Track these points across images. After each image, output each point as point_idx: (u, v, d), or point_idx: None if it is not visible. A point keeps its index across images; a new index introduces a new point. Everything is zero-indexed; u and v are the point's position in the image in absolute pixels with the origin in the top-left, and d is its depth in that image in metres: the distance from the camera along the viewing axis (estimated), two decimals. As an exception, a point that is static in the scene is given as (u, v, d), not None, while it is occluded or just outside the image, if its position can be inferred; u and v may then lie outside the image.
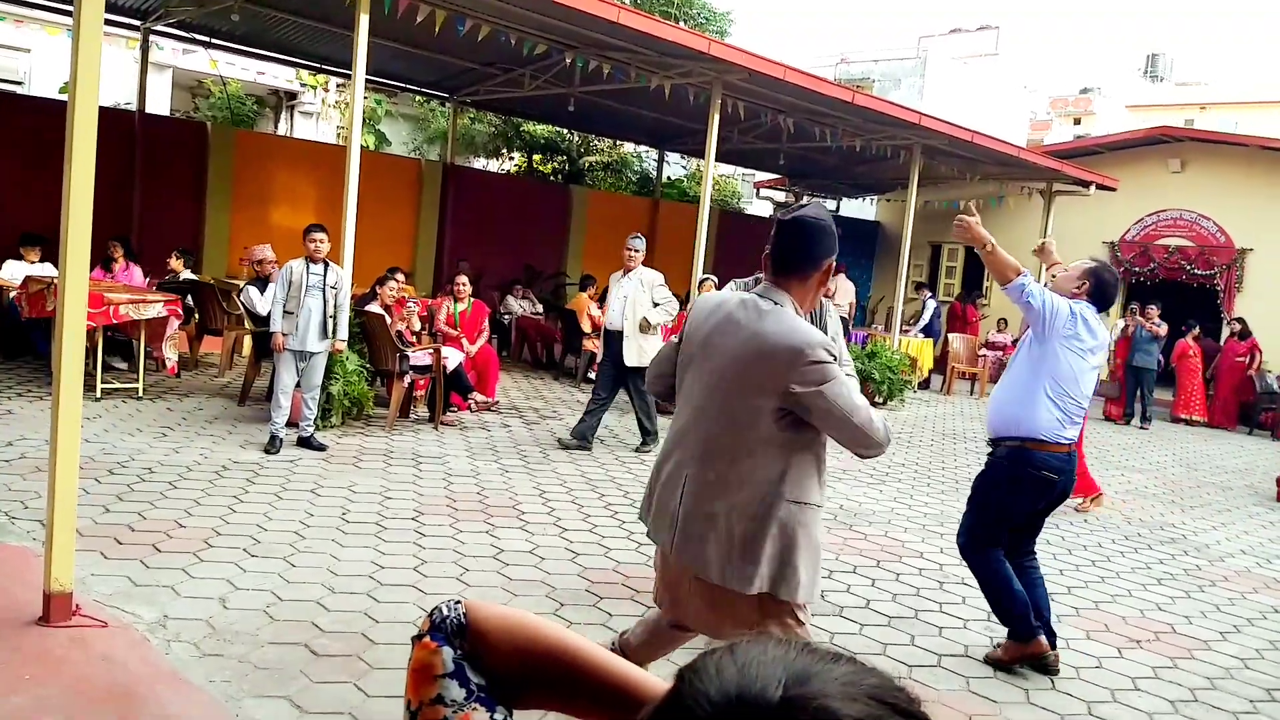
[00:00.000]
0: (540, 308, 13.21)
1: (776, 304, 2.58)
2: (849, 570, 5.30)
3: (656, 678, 0.76)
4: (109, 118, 11.98)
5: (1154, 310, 13.07)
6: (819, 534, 2.66)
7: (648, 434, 8.05)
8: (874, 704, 0.61)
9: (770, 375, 2.50)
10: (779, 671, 0.62)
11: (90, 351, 7.72)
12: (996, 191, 16.71)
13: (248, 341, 9.12)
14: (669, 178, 21.09)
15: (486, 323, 9.34)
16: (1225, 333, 14.98)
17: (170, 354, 8.21)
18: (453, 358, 8.25)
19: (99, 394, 7.56)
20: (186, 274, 9.92)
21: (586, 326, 11.22)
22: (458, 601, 0.88)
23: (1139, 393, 13.20)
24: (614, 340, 7.92)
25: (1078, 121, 41.30)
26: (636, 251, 8.17)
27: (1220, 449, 12.08)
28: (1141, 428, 13.06)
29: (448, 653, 0.84)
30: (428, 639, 0.85)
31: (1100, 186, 15.27)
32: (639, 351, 7.70)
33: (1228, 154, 16.33)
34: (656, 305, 7.91)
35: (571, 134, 19.56)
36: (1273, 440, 13.38)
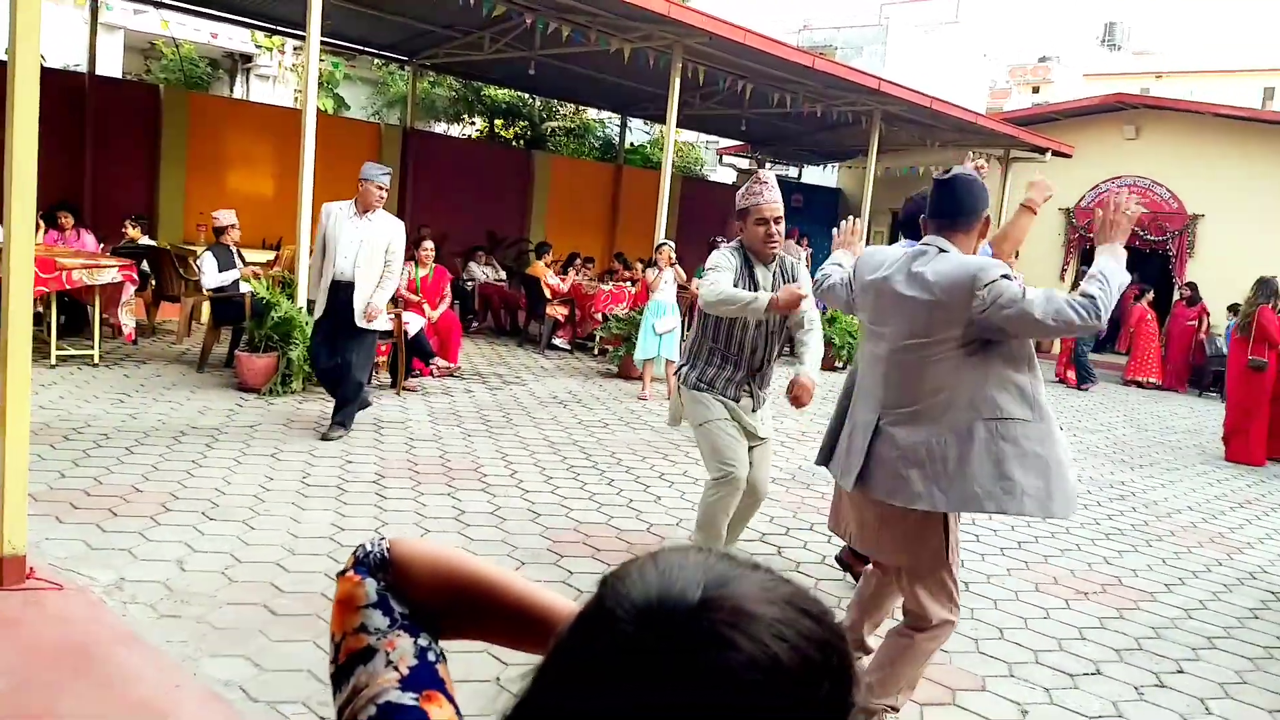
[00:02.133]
0: (503, 274, 13.15)
1: (943, 250, 2.84)
2: (806, 528, 5.39)
3: (574, 604, 0.79)
4: (58, 80, 11.78)
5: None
6: (1040, 446, 2.79)
7: (346, 422, 6.35)
8: (788, 608, 0.63)
9: (956, 307, 2.72)
10: (699, 575, 0.64)
11: (43, 318, 7.61)
12: (956, 158, 16.83)
13: (205, 308, 9.01)
14: (632, 144, 21.01)
15: (448, 288, 9.29)
16: (1175, 297, 15.28)
17: (127, 320, 8.08)
18: (414, 323, 8.21)
19: (54, 361, 7.44)
20: (144, 240, 9.76)
21: (549, 294, 11.22)
22: (382, 538, 0.90)
23: (1075, 353, 13.43)
24: (341, 292, 6.13)
25: (1036, 90, 41.60)
26: (368, 183, 6.25)
27: (1170, 410, 12.37)
28: (1081, 388, 13.28)
29: (371, 584, 0.86)
30: (351, 573, 0.87)
31: (1056, 153, 15.47)
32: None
33: (1182, 121, 16.57)
34: (389, 264, 6.26)
35: (533, 99, 19.40)
36: (1221, 402, 13.69)
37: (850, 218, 3.94)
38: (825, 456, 3.35)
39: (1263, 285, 8.97)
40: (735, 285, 3.89)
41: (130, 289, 8.02)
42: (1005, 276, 2.68)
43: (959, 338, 2.74)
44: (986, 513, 2.83)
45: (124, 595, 3.60)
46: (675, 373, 4.31)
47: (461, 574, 0.88)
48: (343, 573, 0.88)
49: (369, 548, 0.89)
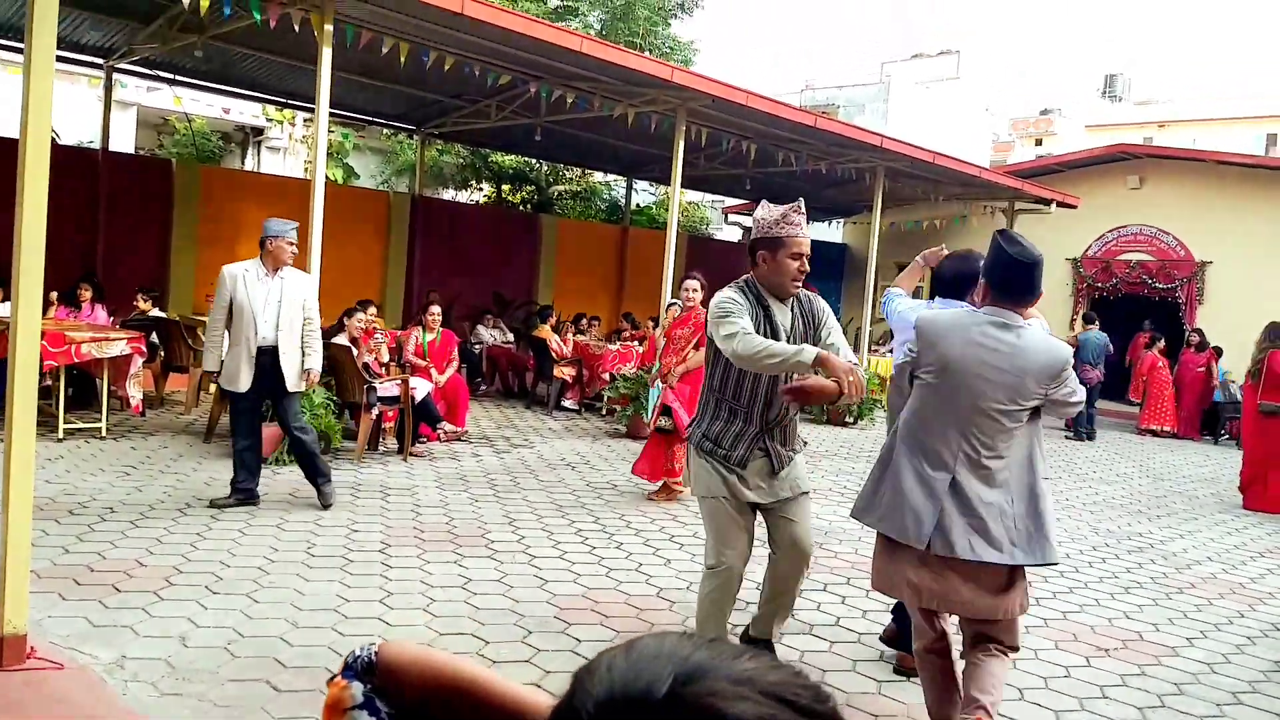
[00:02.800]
0: (511, 336, 13.20)
1: (1021, 326, 3.15)
2: (819, 588, 5.30)
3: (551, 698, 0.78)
4: (72, 156, 12.01)
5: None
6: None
7: (325, 473, 6.19)
8: (769, 701, 0.59)
9: (1036, 384, 3.11)
10: (670, 667, 0.61)
11: (51, 391, 7.65)
12: (960, 211, 16.94)
13: (214, 378, 9.06)
14: (638, 205, 21.22)
15: (456, 352, 9.33)
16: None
17: (134, 392, 8.12)
18: (421, 388, 8.22)
19: (61, 434, 7.47)
20: (155, 312, 9.86)
21: (556, 355, 11.25)
22: (372, 644, 0.96)
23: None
24: (265, 357, 5.92)
25: (1039, 142, 41.96)
26: (279, 239, 6.05)
27: (1186, 459, 12.22)
28: (1079, 438, 13.11)
29: (357, 687, 0.93)
30: (339, 678, 0.94)
31: (1061, 204, 15.54)
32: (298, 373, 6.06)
33: (1186, 169, 16.65)
34: (308, 321, 6.10)
35: (540, 164, 19.67)
36: (1238, 449, 13.53)
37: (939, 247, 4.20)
38: (896, 524, 3.19)
39: (1271, 330, 8.93)
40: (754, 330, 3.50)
41: (139, 361, 8.07)
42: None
43: (1034, 407, 3.15)
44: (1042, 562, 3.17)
45: (125, 674, 3.55)
46: (687, 435, 3.94)
47: (445, 674, 0.93)
48: (332, 678, 0.94)
49: (358, 653, 0.95)
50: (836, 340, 3.64)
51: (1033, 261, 3.13)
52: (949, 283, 3.99)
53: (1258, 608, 5.67)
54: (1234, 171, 16.09)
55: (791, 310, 3.66)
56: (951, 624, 3.45)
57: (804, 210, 3.61)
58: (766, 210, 3.61)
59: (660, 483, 7.28)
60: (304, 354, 6.07)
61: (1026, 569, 3.17)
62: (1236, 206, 15.81)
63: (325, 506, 6.09)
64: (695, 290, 7.40)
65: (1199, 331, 14.60)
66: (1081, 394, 3.22)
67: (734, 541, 3.64)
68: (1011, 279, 3.14)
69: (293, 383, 6.02)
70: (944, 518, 3.05)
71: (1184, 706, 4.06)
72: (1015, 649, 3.27)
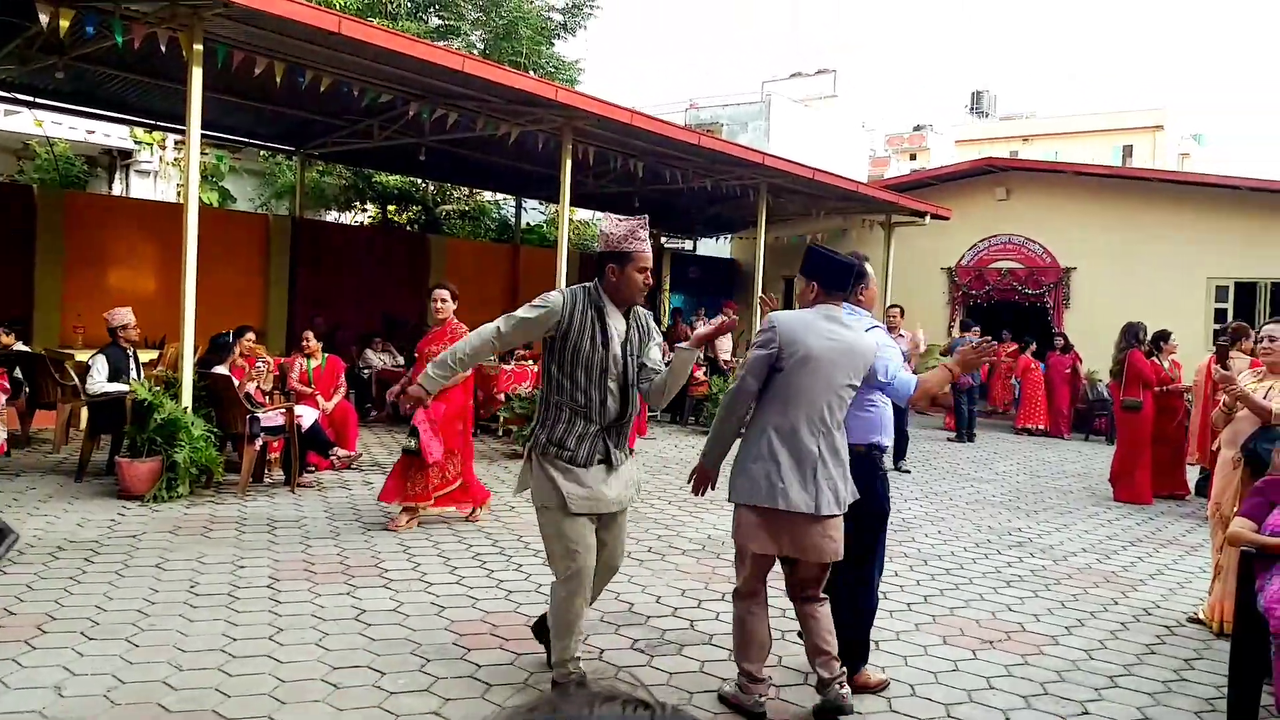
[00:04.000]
0: (401, 359, 12.95)
1: (842, 315, 3.82)
2: (717, 598, 5.36)
3: None
4: (-80, 184, 11.25)
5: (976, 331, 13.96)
6: None
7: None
8: None
9: (865, 365, 3.79)
10: None
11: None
12: (841, 225, 17.46)
13: (84, 413, 8.62)
14: (528, 224, 21.15)
15: (343, 378, 9.11)
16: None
17: (-3, 432, 7.66)
18: (308, 416, 7.99)
19: (-85, 480, 6.99)
20: (19, 346, 9.33)
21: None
22: None
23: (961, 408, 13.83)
24: None
25: (913, 157, 43.64)
26: None
27: (1060, 455, 12.83)
28: (961, 440, 13.63)
29: None
30: None
31: (935, 216, 16.18)
32: None
33: (1049, 181, 17.55)
34: None
35: (426, 183, 19.42)
36: (1107, 444, 14.28)
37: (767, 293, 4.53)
38: (766, 493, 3.64)
39: (1127, 330, 9.50)
40: (583, 330, 3.71)
41: (1, 399, 7.62)
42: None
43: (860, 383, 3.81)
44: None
45: (-8, 730, 3.35)
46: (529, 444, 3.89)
47: None
48: None
49: None
50: (655, 353, 3.91)
51: (848, 263, 3.87)
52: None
53: (1129, 595, 5.98)
54: (1093, 182, 17.04)
55: (628, 320, 3.83)
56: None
57: (648, 225, 3.83)
58: (613, 225, 3.78)
59: (400, 507, 6.71)
60: None
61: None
62: (1097, 215, 16.73)
63: None
64: (445, 301, 6.70)
65: (1063, 335, 15.40)
66: (902, 370, 4.02)
67: (585, 540, 3.72)
68: (834, 279, 3.83)
69: None
70: (809, 483, 3.62)
71: (1065, 693, 4.26)
72: (826, 598, 3.84)
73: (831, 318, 3.73)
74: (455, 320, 6.74)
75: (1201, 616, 5.41)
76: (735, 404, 3.78)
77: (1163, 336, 9.84)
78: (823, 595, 3.80)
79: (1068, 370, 14.98)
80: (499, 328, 3.82)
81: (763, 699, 3.74)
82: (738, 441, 3.86)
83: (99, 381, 7.71)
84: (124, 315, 7.98)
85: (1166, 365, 9.68)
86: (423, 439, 6.55)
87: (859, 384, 3.76)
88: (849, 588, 4.04)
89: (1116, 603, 5.79)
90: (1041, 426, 15.05)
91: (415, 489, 6.62)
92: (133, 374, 7.77)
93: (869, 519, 4.04)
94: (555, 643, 3.83)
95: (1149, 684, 4.42)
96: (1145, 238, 16.15)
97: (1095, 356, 14.89)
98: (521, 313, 3.80)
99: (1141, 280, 15.88)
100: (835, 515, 3.66)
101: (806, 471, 3.60)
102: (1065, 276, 16.98)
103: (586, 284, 3.84)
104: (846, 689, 3.75)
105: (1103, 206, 16.74)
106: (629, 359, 3.76)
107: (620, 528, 3.93)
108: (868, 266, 4.28)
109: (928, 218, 16.16)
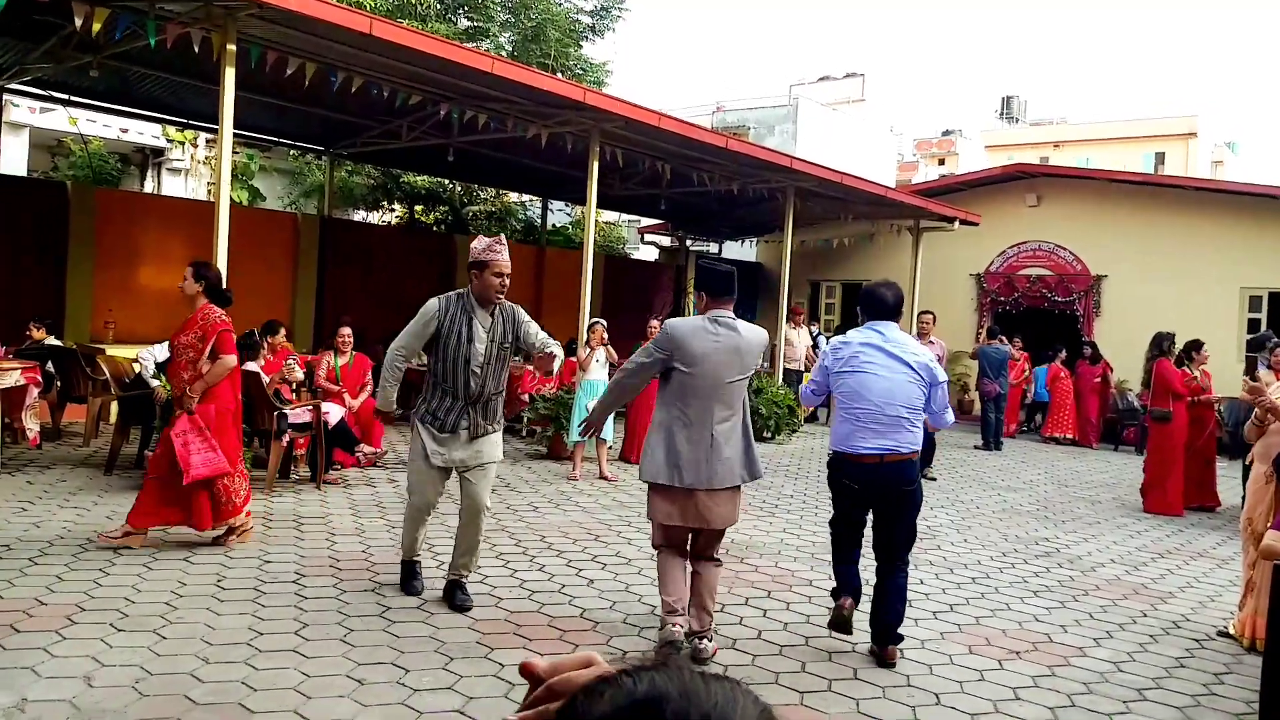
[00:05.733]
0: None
1: (733, 318, 4.42)
2: (740, 602, 5.34)
3: None
4: (-44, 180, 11.43)
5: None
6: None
7: None
8: None
9: (752, 359, 4.42)
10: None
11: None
12: (868, 229, 17.36)
13: (114, 407, 8.73)
14: (554, 225, 21.20)
15: (370, 376, 9.16)
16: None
17: (31, 424, 7.76)
18: (335, 413, 8.04)
19: (-51, 470, 7.09)
20: (50, 340, 9.45)
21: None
22: None
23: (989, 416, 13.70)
24: None
25: (942, 162, 43.34)
26: None
27: (1088, 465, 12.69)
28: (988, 448, 13.52)
29: None
30: None
31: (964, 221, 16.04)
32: None
33: (1081, 187, 17.37)
34: None
35: (454, 184, 19.50)
36: (1137, 455, 14.12)
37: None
38: (667, 472, 4.33)
39: (1156, 341, 9.38)
40: (452, 328, 4.84)
41: (34, 392, 7.72)
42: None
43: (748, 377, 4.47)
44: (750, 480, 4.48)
45: (26, 717, 3.38)
46: (414, 411, 5.01)
47: None
48: None
49: None
50: (541, 336, 5.09)
51: (728, 271, 4.48)
52: (867, 309, 4.77)
53: (1159, 607, 5.91)
54: (1126, 189, 16.85)
55: (492, 316, 4.93)
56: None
57: (505, 242, 4.92)
58: (479, 242, 4.90)
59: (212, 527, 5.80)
60: None
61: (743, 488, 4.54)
62: (1129, 222, 16.54)
63: None
64: (185, 279, 5.84)
65: (1092, 344, 15.23)
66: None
67: (424, 489, 4.96)
68: (718, 286, 4.43)
69: None
70: (707, 464, 4.27)
71: (1093, 705, 4.21)
72: (720, 562, 4.61)
73: (718, 321, 4.35)
74: (211, 308, 5.77)
75: (1231, 631, 5.33)
76: (623, 389, 4.66)
77: (1195, 346, 9.71)
78: (716, 559, 4.53)
79: (1097, 379, 14.82)
80: (397, 341, 4.99)
81: (677, 627, 4.34)
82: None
83: (149, 367, 7.71)
84: None
85: (1197, 375, 9.55)
86: (178, 451, 5.49)
87: (748, 375, 4.43)
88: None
89: (1145, 615, 5.72)
90: (1070, 436, 14.90)
91: (226, 501, 5.73)
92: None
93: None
94: (403, 539, 5.22)
95: (1178, 698, 4.36)
96: (1178, 246, 15.95)
97: (1126, 366, 14.74)
98: (409, 326, 4.97)
99: (1174, 289, 15.68)
100: (727, 489, 4.34)
101: (700, 454, 4.27)
102: (1096, 284, 16.80)
103: (460, 290, 4.97)
104: (705, 644, 4.40)
105: (1135, 214, 16.55)
106: (493, 347, 4.87)
107: (478, 480, 4.93)
108: (892, 292, 4.76)
109: (957, 223, 16.04)
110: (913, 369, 4.50)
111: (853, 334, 4.70)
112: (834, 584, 4.78)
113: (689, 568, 4.49)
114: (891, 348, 4.54)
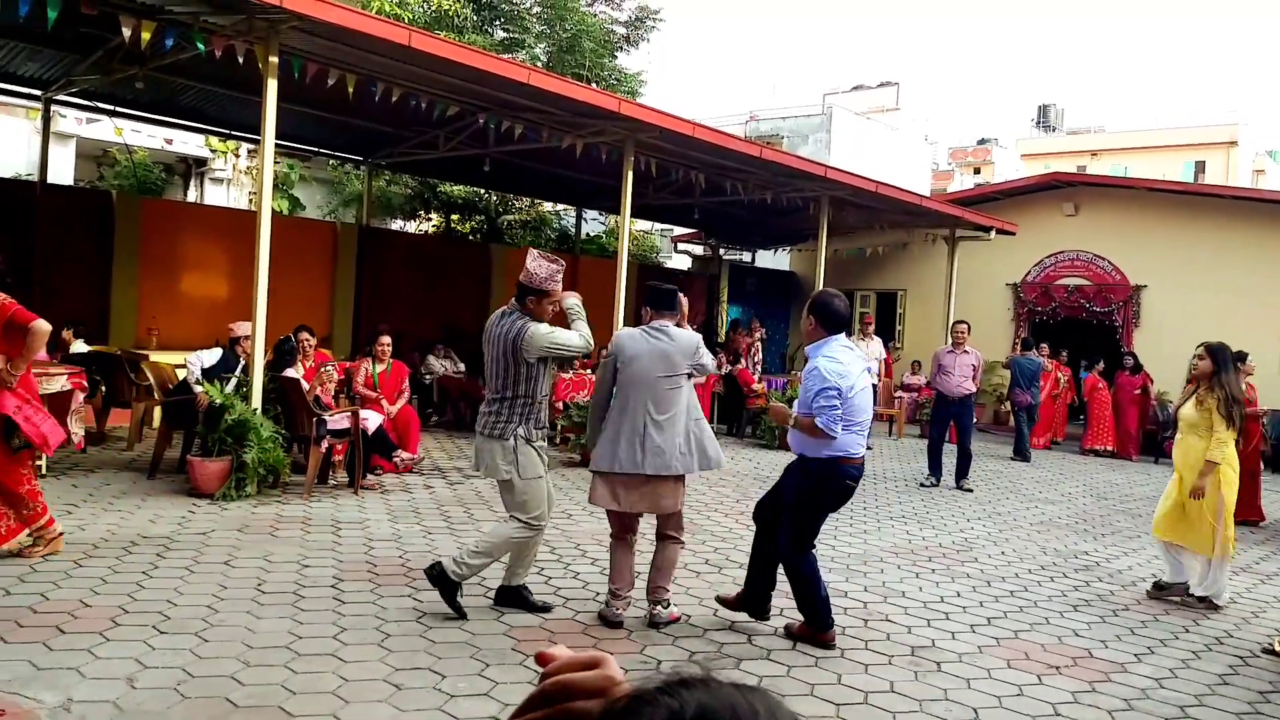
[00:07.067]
0: (462, 366, 13.10)
1: (668, 327, 4.99)
2: (775, 613, 5.32)
3: None
4: (7, 189, 11.71)
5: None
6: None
7: None
8: None
9: (682, 359, 4.92)
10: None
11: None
12: (903, 239, 17.27)
13: (157, 412, 8.87)
14: (588, 234, 21.29)
15: (407, 383, 9.25)
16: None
17: (76, 428, 7.88)
18: (372, 420, 8.12)
19: (-3, 473, 7.23)
20: (78, 345, 9.63)
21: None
22: None
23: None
24: None
25: (977, 171, 42.98)
26: None
27: (1128, 478, 12.51)
28: (1018, 459, 13.36)
29: None
30: None
31: (1000, 231, 15.91)
32: None
33: (1119, 196, 17.17)
34: None
35: (489, 193, 19.65)
36: (1177, 468, 13.89)
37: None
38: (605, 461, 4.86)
39: (1226, 354, 9.18)
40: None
41: (80, 396, 7.87)
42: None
43: (685, 374, 4.94)
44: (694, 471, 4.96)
45: (72, 717, 3.45)
46: (482, 428, 4.97)
47: None
48: None
49: None
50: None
51: (669, 290, 5.09)
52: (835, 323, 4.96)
53: (1201, 623, 5.81)
54: (1165, 198, 16.63)
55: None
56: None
57: (563, 264, 4.95)
58: (538, 265, 4.84)
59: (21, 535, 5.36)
60: None
61: (688, 478, 5.03)
62: (1169, 232, 16.33)
63: None
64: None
65: (1132, 355, 15.00)
66: (711, 360, 5.15)
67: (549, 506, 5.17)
68: (662, 302, 5.03)
69: None
70: (638, 452, 4.77)
71: (1133, 721, 4.14)
72: (683, 541, 5.18)
73: (655, 329, 4.95)
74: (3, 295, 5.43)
75: (1276, 648, 5.24)
76: (595, 403, 5.10)
77: (1239, 357, 9.53)
78: (677, 538, 5.05)
79: (1137, 391, 14.59)
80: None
81: (619, 611, 4.92)
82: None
83: (195, 372, 7.84)
84: (245, 328, 8.05)
85: (1243, 387, 9.38)
86: (24, 428, 5.23)
87: (676, 375, 4.87)
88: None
89: (1188, 630, 5.63)
90: (1109, 448, 14.69)
91: (26, 506, 5.37)
92: (231, 384, 7.83)
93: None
94: (474, 559, 4.91)
95: (1222, 715, 4.29)
96: (1219, 256, 15.70)
97: (1167, 378, 14.52)
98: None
99: (1215, 299, 15.43)
100: (662, 477, 4.82)
101: (635, 443, 4.77)
102: (1135, 294, 16.59)
103: (514, 309, 4.94)
104: (660, 610, 4.95)
105: (1175, 223, 16.33)
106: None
107: (501, 498, 5.12)
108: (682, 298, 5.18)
109: (993, 233, 15.90)
110: (870, 372, 5.15)
111: (839, 353, 4.79)
112: (813, 603, 4.86)
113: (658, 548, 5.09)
114: (862, 361, 5.00)
